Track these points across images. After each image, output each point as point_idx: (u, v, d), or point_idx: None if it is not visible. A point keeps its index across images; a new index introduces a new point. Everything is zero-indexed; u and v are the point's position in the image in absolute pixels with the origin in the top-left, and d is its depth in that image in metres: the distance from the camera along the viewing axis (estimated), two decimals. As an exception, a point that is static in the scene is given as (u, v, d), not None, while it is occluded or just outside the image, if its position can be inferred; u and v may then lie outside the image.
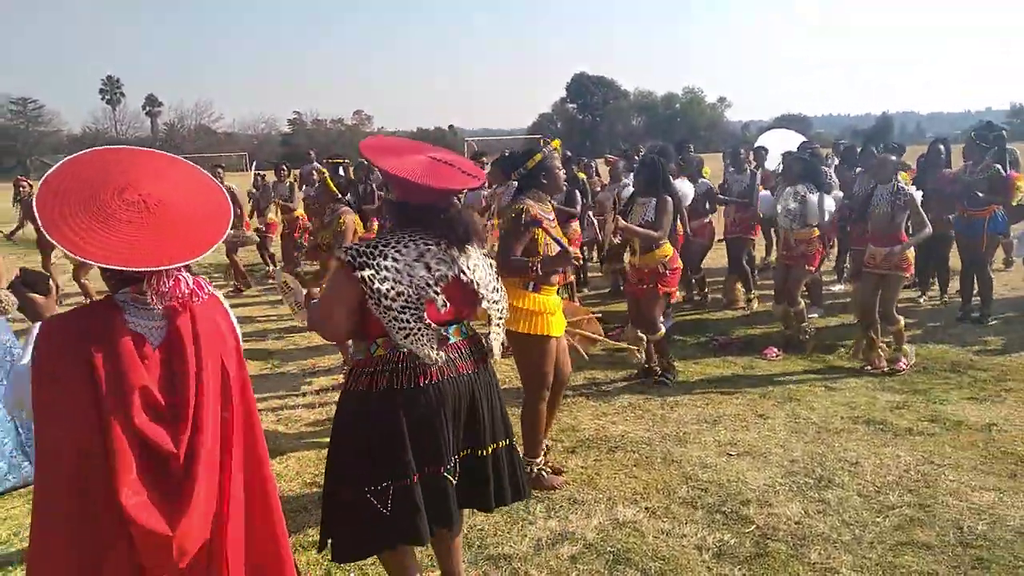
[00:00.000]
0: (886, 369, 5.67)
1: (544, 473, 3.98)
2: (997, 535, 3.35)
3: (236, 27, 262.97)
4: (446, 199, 2.53)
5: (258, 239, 10.70)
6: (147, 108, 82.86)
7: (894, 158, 5.93)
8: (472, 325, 2.69)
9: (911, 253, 5.65)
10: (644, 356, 5.83)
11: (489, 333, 2.66)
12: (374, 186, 10.49)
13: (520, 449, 3.26)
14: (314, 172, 11.77)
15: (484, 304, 2.59)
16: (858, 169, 8.24)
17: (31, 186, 9.93)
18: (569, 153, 13.23)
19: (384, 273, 2.37)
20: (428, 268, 2.43)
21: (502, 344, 2.75)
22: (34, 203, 1.82)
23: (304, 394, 5.70)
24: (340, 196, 5.59)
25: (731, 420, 4.84)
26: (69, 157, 1.93)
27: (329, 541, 2.56)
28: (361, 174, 11.70)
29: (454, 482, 2.53)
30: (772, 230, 9.58)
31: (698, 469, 4.12)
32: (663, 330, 5.63)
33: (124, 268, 1.79)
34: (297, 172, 12.41)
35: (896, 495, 3.75)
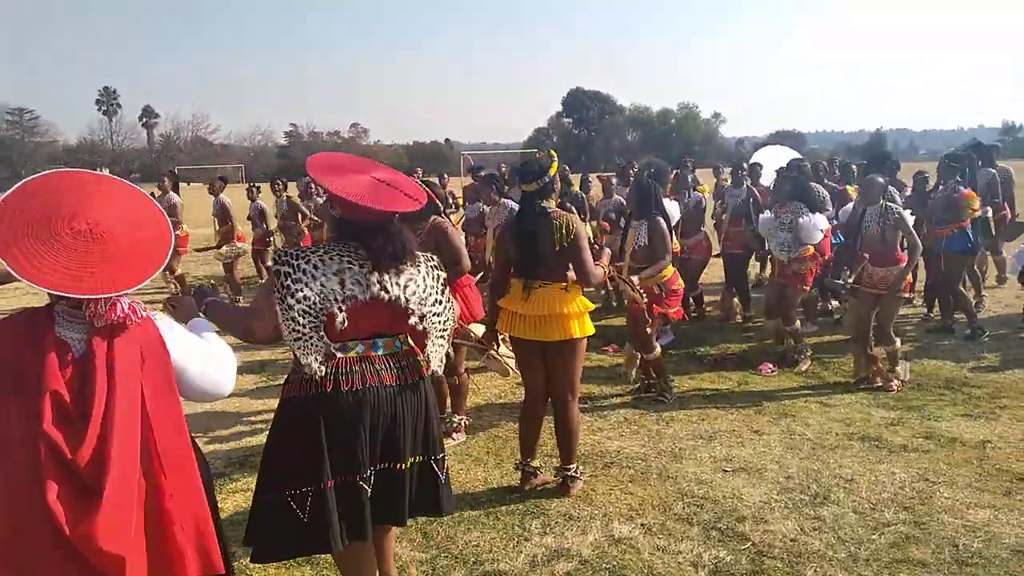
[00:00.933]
0: (879, 384, 5.68)
1: (580, 480, 4.10)
2: (992, 553, 3.35)
3: (234, 40, 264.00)
4: (385, 218, 2.63)
5: (247, 250, 10.64)
6: (143, 119, 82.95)
7: (881, 179, 5.96)
8: (408, 340, 2.76)
9: (907, 274, 5.65)
10: (634, 374, 5.85)
11: (430, 348, 2.75)
12: None
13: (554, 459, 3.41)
14: (312, 185, 11.79)
15: (412, 320, 2.67)
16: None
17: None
18: (567, 167, 13.31)
19: (299, 275, 2.50)
20: (342, 284, 2.54)
21: (443, 358, 2.83)
22: None
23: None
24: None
25: (726, 436, 4.84)
26: (21, 182, 2.00)
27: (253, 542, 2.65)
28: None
29: (368, 492, 2.60)
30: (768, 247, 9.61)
31: (694, 485, 4.12)
32: (658, 350, 5.63)
33: (69, 296, 1.89)
34: (292, 184, 12.37)
35: (891, 512, 3.75)
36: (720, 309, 8.42)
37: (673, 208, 7.34)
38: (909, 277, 5.66)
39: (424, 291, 2.72)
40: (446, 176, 13.35)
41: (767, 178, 9.60)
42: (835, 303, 8.51)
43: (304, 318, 2.49)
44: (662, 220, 5.40)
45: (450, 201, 6.73)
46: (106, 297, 1.96)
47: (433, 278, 2.78)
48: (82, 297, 1.91)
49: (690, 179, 9.57)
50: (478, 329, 4.58)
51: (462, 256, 4.61)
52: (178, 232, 10.14)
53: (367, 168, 2.73)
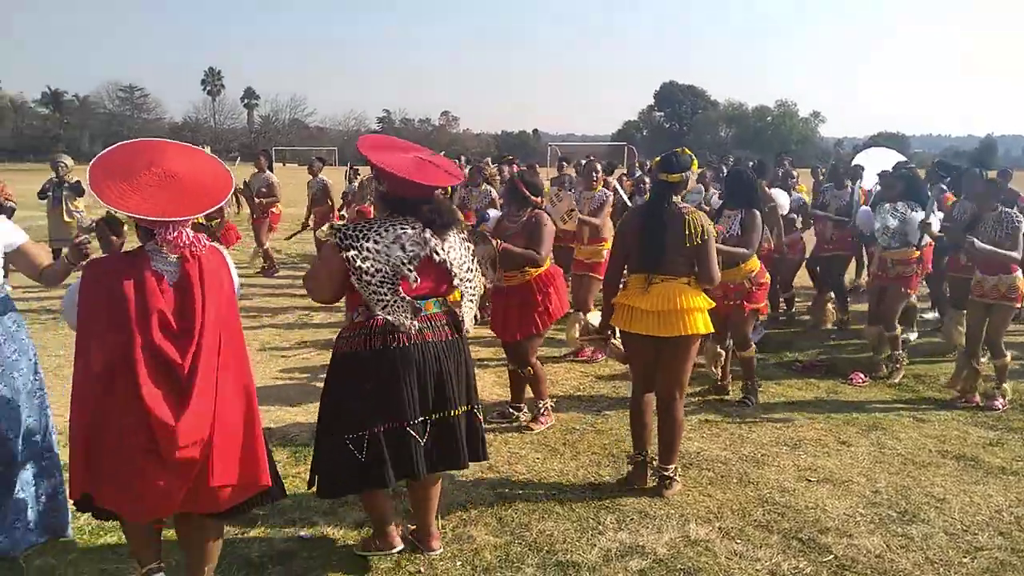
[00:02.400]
0: (980, 404, 5.41)
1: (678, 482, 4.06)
2: (1097, 588, 3.16)
3: (333, 28, 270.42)
4: (429, 192, 2.99)
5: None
6: (245, 100, 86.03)
7: (1000, 183, 5.66)
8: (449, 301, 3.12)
9: (1022, 283, 5.35)
10: (719, 373, 5.74)
11: (464, 309, 3.13)
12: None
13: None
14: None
15: (455, 282, 3.05)
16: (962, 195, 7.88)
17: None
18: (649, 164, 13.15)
19: (365, 253, 2.82)
20: (403, 249, 2.88)
21: (475, 318, 3.23)
22: (87, 173, 2.52)
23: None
24: None
25: (812, 445, 4.71)
26: (117, 144, 2.72)
27: (316, 479, 3.07)
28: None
29: (420, 439, 2.97)
30: (865, 250, 9.23)
31: (775, 492, 4.02)
32: (754, 347, 5.52)
33: (144, 217, 2.47)
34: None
35: (986, 536, 3.58)
36: (812, 315, 8.15)
37: (782, 198, 7.17)
38: (1022, 286, 5.35)
39: (462, 258, 3.09)
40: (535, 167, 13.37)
41: (868, 181, 9.26)
42: (934, 314, 8.14)
43: (383, 287, 2.85)
44: (758, 214, 5.27)
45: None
46: (172, 224, 2.54)
47: (465, 247, 3.16)
48: (153, 219, 2.48)
49: (790, 179, 9.31)
50: (594, 318, 4.69)
51: (544, 250, 4.69)
52: (273, 209, 10.51)
53: (411, 148, 3.12)
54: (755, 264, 5.35)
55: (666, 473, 4.01)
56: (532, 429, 4.84)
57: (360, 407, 2.91)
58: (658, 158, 4.11)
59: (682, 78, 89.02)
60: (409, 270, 2.88)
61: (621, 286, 4.10)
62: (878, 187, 9.03)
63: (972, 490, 4.08)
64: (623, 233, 4.08)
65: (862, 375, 6.09)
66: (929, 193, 6.26)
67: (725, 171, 8.98)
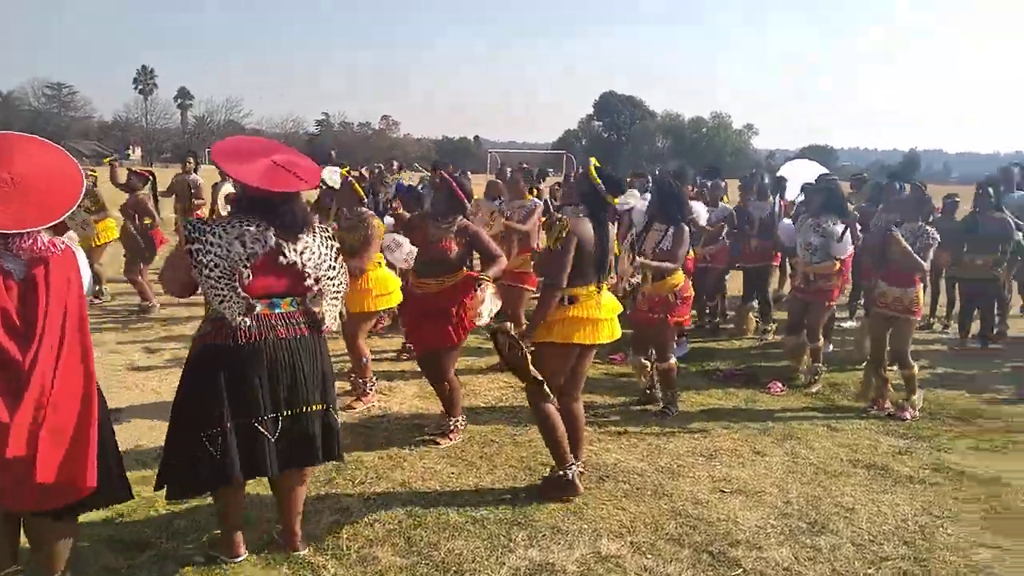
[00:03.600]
0: (891, 412, 5.53)
1: (573, 479, 4.03)
2: (993, 597, 3.22)
3: (272, 28, 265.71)
4: (281, 196, 3.02)
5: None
6: (179, 100, 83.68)
7: (929, 199, 5.82)
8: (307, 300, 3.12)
9: (921, 296, 5.50)
10: (647, 382, 5.75)
11: (326, 307, 3.17)
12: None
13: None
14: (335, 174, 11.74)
15: (308, 282, 3.08)
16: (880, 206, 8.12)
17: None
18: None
19: (207, 247, 2.89)
20: (244, 246, 2.93)
21: (338, 316, 3.29)
22: None
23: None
24: (365, 200, 5.48)
25: (727, 455, 4.72)
26: None
27: (166, 480, 3.07)
28: (375, 180, 11.70)
29: (270, 436, 3.02)
30: (788, 261, 9.42)
31: (689, 504, 4.01)
32: (674, 360, 5.52)
33: None
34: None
35: (891, 546, 3.62)
36: (735, 324, 8.26)
37: (700, 209, 7.23)
38: (920, 299, 5.50)
39: (319, 257, 3.14)
40: (468, 174, 13.29)
41: (792, 192, 9.45)
42: (852, 323, 8.35)
43: (220, 281, 2.90)
44: (687, 229, 5.29)
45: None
46: (25, 232, 2.54)
47: (327, 247, 3.20)
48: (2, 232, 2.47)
49: (719, 190, 9.43)
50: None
51: (493, 250, 4.69)
52: (198, 212, 10.19)
53: (269, 151, 3.12)
54: (680, 278, 5.38)
55: (577, 468, 4.08)
56: (439, 444, 4.73)
57: (212, 403, 2.95)
58: (593, 168, 4.03)
59: (621, 88, 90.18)
60: (244, 266, 2.93)
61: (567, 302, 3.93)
62: (801, 198, 9.28)
63: (880, 499, 4.14)
64: (579, 244, 3.85)
65: (780, 384, 6.17)
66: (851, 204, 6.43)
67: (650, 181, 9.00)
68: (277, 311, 3.05)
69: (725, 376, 6.52)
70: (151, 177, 8.98)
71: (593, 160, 4.14)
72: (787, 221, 7.03)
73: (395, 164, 14.84)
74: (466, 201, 4.73)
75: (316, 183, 3.21)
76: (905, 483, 4.37)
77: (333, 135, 79.67)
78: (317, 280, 3.12)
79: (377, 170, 12.67)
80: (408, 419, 5.20)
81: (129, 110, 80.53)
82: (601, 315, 3.98)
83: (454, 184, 4.69)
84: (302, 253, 3.08)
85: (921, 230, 5.46)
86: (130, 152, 67.55)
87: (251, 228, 2.96)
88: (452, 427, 4.81)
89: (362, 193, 5.44)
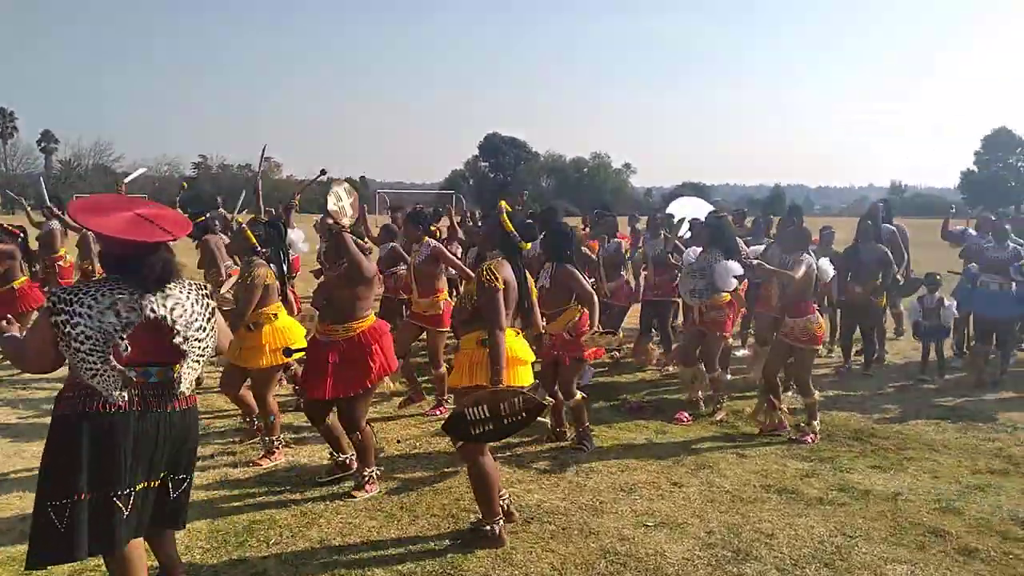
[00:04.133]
0: (793, 436, 5.74)
1: (500, 533, 3.92)
2: (912, 611, 3.34)
3: (143, 67, 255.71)
4: (146, 248, 2.88)
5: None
6: (42, 144, 78.83)
7: (807, 231, 6.17)
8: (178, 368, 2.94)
9: (821, 326, 5.79)
10: (554, 420, 5.74)
11: (186, 370, 2.96)
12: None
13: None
14: (218, 221, 11.28)
15: (177, 340, 2.89)
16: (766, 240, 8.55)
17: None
18: (479, 212, 13.28)
19: (76, 319, 2.71)
20: (118, 315, 2.77)
21: (198, 380, 3.16)
22: None
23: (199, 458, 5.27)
24: (258, 248, 5.25)
25: (646, 488, 4.76)
26: None
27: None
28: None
29: (124, 511, 2.82)
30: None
31: (616, 541, 3.99)
32: (579, 395, 5.55)
33: None
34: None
35: (812, 569, 3.72)
36: (634, 355, 8.41)
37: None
38: (820, 329, 5.79)
39: (191, 315, 2.97)
40: (367, 215, 13.05)
41: (681, 230, 9.81)
42: (745, 351, 8.69)
43: (92, 355, 2.72)
44: (571, 267, 5.33)
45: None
46: None
47: (201, 305, 3.03)
48: None
49: (614, 223, 9.69)
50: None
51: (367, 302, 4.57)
52: (60, 262, 9.54)
53: (131, 206, 3.02)
54: (574, 314, 5.41)
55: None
56: (355, 497, 4.54)
57: (69, 472, 2.76)
58: (506, 216, 4.03)
59: (504, 130, 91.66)
60: (121, 338, 2.76)
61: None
62: (689, 234, 9.64)
63: (796, 523, 4.26)
64: (507, 288, 3.85)
65: (686, 414, 6.31)
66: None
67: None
68: (151, 380, 2.89)
69: (632, 408, 6.61)
70: (21, 234, 8.26)
71: (504, 205, 4.14)
72: (694, 250, 7.22)
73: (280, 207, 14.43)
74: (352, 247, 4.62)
75: (183, 235, 3.07)
76: (816, 505, 4.53)
77: (212, 178, 76.93)
78: (185, 339, 2.92)
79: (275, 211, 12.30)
80: (318, 471, 4.97)
81: (-15, 154, 75.23)
82: (526, 357, 3.97)
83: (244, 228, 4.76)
84: (172, 310, 2.91)
85: (804, 258, 5.76)
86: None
87: (124, 296, 2.81)
88: (368, 479, 4.63)
89: (254, 240, 5.24)
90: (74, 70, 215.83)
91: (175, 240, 3.00)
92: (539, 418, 5.58)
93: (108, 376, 2.75)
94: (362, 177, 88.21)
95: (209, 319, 3.05)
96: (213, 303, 3.11)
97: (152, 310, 2.84)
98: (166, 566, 3.26)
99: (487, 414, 3.59)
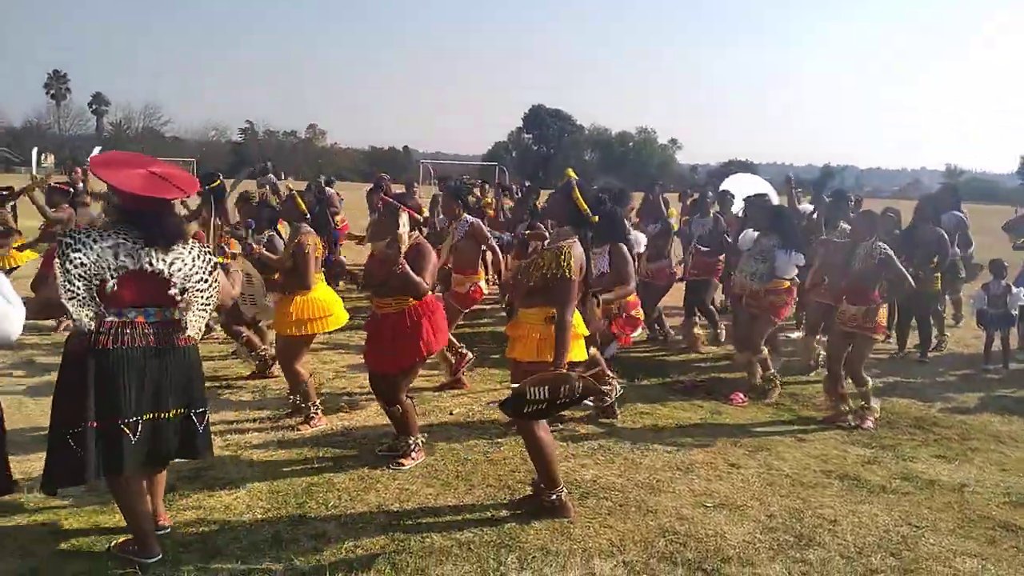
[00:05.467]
0: (852, 423, 5.61)
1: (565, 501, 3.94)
2: (985, 606, 3.25)
3: (195, 32, 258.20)
4: (158, 205, 3.21)
5: None
6: (93, 106, 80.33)
7: (878, 215, 6.00)
8: (173, 311, 3.25)
9: (883, 315, 5.62)
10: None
11: (192, 317, 3.28)
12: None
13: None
14: (268, 185, 11.36)
15: (172, 291, 3.20)
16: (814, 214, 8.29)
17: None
18: (528, 183, 13.14)
19: (78, 245, 3.02)
20: (115, 256, 3.08)
21: (208, 327, 3.50)
22: None
23: (256, 419, 5.35)
24: (307, 215, 5.26)
25: (704, 468, 4.69)
26: None
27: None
28: (313, 193, 11.44)
29: (132, 437, 3.12)
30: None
31: (675, 521, 3.95)
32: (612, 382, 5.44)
33: None
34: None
35: (878, 558, 3.63)
36: (684, 339, 8.29)
37: (639, 239, 7.16)
38: (883, 319, 5.62)
39: (190, 269, 3.27)
40: (416, 185, 13.07)
41: (735, 207, 9.61)
42: (798, 333, 8.51)
43: (79, 281, 3.02)
44: (624, 247, 5.23)
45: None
46: None
47: (202, 259, 3.34)
48: None
49: (662, 201, 9.55)
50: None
51: (427, 278, 4.44)
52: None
53: (145, 163, 3.30)
54: (631, 297, 5.33)
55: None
56: (402, 465, 4.54)
57: (80, 403, 3.05)
58: (578, 190, 3.85)
59: (549, 102, 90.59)
60: (111, 276, 3.06)
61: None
62: (743, 213, 9.43)
63: (859, 510, 4.16)
64: (581, 266, 3.79)
65: (741, 395, 6.20)
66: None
67: None
68: (151, 320, 3.19)
69: (686, 388, 6.53)
70: (71, 189, 8.42)
71: (571, 174, 3.99)
72: (750, 232, 7.02)
73: (322, 178, 14.52)
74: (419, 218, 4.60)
75: (193, 192, 3.37)
76: (879, 493, 4.42)
77: (258, 144, 77.75)
78: (184, 291, 3.23)
79: (317, 183, 12.41)
80: (374, 438, 5.00)
81: (41, 116, 76.93)
82: (582, 332, 3.91)
83: (403, 208, 4.55)
84: (171, 264, 3.21)
85: (874, 247, 5.58)
86: (43, 160, 64.39)
87: (126, 243, 3.11)
88: (413, 447, 4.63)
89: (304, 207, 5.24)
90: (123, 33, 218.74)
91: (188, 196, 3.36)
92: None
93: (84, 304, 3.02)
94: (405, 147, 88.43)
95: (211, 272, 3.36)
96: (215, 259, 3.42)
97: (150, 263, 3.15)
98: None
99: (546, 395, 3.53)
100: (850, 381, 5.71)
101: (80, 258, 3.01)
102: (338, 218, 11.51)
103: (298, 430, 5.08)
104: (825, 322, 6.78)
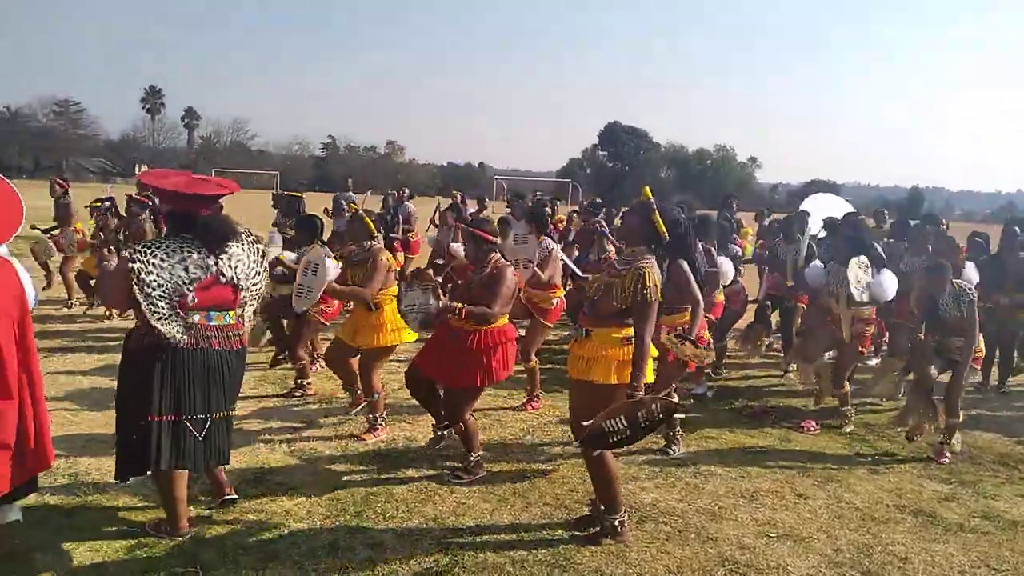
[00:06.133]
0: (929, 455, 5.35)
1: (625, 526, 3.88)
2: (1069, 659, 3.04)
3: (280, 49, 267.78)
4: (205, 205, 3.41)
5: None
6: (186, 120, 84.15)
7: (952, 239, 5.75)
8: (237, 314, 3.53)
9: (980, 349, 5.39)
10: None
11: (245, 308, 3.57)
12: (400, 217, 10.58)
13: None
14: (343, 202, 11.62)
15: (243, 294, 3.48)
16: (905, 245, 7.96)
17: (65, 187, 9.79)
18: (599, 200, 13.04)
19: (150, 268, 3.19)
20: (187, 270, 3.29)
21: (251, 316, 3.66)
22: None
23: (321, 426, 5.46)
24: (375, 233, 5.34)
25: (768, 497, 4.55)
26: None
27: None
28: (389, 205, 11.67)
29: (198, 434, 3.38)
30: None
31: (735, 550, 3.83)
32: (675, 398, 5.28)
33: None
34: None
35: (953, 601, 3.45)
36: (742, 342, 8.04)
37: (727, 267, 6.92)
38: (981, 351, 5.38)
39: (248, 266, 3.50)
40: (487, 200, 13.16)
41: (814, 227, 9.32)
42: (876, 361, 8.18)
43: (161, 301, 3.22)
44: (683, 264, 5.03)
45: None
46: None
47: (254, 252, 3.57)
48: None
49: (734, 230, 9.27)
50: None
51: (498, 304, 4.38)
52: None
53: (186, 174, 3.60)
54: (685, 317, 5.15)
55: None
56: (460, 479, 4.55)
57: (148, 398, 3.26)
58: (657, 212, 3.80)
59: (624, 120, 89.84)
60: (189, 290, 3.27)
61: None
62: (823, 233, 9.12)
63: (933, 548, 3.96)
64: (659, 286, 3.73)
65: (814, 423, 6.00)
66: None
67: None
68: (212, 323, 3.39)
69: (755, 413, 6.36)
70: (149, 202, 8.70)
71: (648, 194, 3.91)
72: (816, 264, 6.79)
73: (405, 191, 14.78)
74: (495, 241, 4.59)
75: (235, 191, 3.65)
76: (956, 531, 4.20)
77: (339, 158, 79.93)
78: (246, 290, 3.49)
79: (390, 196, 12.62)
80: (435, 450, 5.04)
81: (137, 129, 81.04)
82: (653, 353, 3.83)
83: (478, 231, 4.57)
84: (235, 267, 3.44)
85: (961, 291, 5.37)
86: (137, 170, 67.74)
87: (193, 254, 3.32)
88: (474, 463, 4.63)
89: (373, 228, 5.30)
90: (216, 52, 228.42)
91: (230, 194, 3.54)
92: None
93: (173, 320, 3.25)
94: (481, 164, 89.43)
95: (261, 262, 3.59)
96: (261, 246, 3.64)
97: (222, 273, 3.37)
98: (216, 481, 3.90)
99: (625, 424, 3.48)
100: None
101: (155, 280, 3.20)
102: (411, 234, 11.72)
103: (362, 439, 5.16)
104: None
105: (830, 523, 4.23)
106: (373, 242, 5.30)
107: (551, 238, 6.54)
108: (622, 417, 3.45)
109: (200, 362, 3.35)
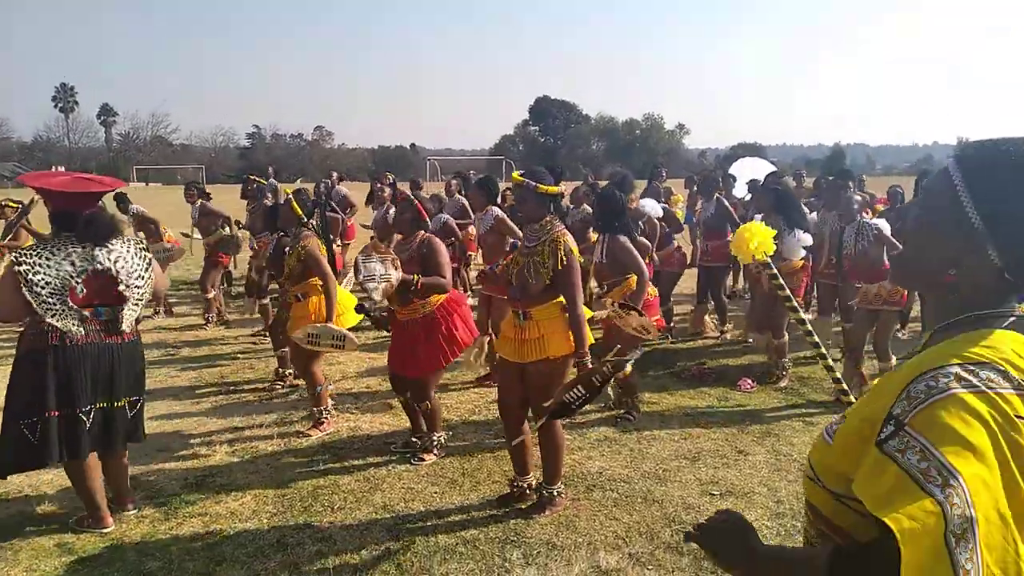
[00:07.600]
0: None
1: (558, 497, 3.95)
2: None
3: (196, 38, 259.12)
4: (87, 203, 3.54)
5: (179, 255, 9.42)
6: (102, 118, 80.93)
7: (858, 197, 5.94)
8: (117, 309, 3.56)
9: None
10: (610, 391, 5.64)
11: (126, 312, 3.60)
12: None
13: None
14: (269, 191, 11.29)
15: (121, 287, 3.54)
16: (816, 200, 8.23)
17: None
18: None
19: (36, 268, 3.32)
20: (73, 264, 3.42)
21: (133, 321, 3.66)
22: None
23: (262, 425, 5.36)
24: (304, 220, 5.23)
25: (711, 456, 4.67)
26: None
27: None
28: (320, 192, 11.45)
29: (87, 423, 3.48)
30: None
31: (681, 510, 3.93)
32: (628, 367, 5.39)
33: None
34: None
35: (887, 540, 3.60)
36: (692, 325, 8.25)
37: (651, 206, 7.15)
38: (903, 289, 5.56)
39: (131, 266, 3.61)
40: (421, 182, 13.01)
41: (740, 190, 9.54)
42: (808, 316, 8.43)
43: (52, 297, 3.34)
44: (624, 238, 5.13)
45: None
46: None
47: (139, 257, 3.67)
48: None
49: (662, 190, 9.44)
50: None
51: (445, 273, 4.44)
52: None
53: (72, 174, 3.76)
54: (632, 284, 5.26)
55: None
56: (424, 460, 4.56)
57: (35, 396, 3.36)
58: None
59: (555, 93, 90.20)
60: (77, 282, 3.40)
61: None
62: (748, 196, 9.36)
63: (867, 493, 4.12)
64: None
65: (750, 381, 6.17)
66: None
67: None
68: (102, 318, 3.51)
69: (695, 375, 6.50)
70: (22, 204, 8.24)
71: (517, 177, 3.88)
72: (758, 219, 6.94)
73: (334, 175, 14.52)
74: (424, 217, 4.62)
75: (120, 187, 3.85)
76: (888, 474, 4.38)
77: (265, 148, 78.06)
78: (127, 287, 3.56)
79: (323, 184, 12.38)
80: (380, 437, 5.01)
81: (50, 129, 77.62)
82: (588, 314, 3.93)
83: (419, 205, 4.58)
84: (115, 262, 3.53)
85: (863, 225, 5.57)
86: (54, 171, 64.95)
87: (77, 249, 3.44)
88: (436, 443, 4.64)
89: (300, 212, 5.19)
90: (128, 45, 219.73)
91: (112, 191, 3.69)
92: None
93: (67, 315, 3.37)
94: (412, 145, 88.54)
95: (147, 269, 3.68)
96: (150, 255, 3.75)
97: (100, 262, 3.47)
98: (118, 491, 3.87)
99: (583, 391, 3.51)
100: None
101: (43, 278, 3.33)
102: (347, 220, 11.51)
103: (306, 434, 5.08)
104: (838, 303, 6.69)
105: (770, 477, 4.37)
106: (301, 228, 5.18)
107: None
108: (579, 386, 3.50)
109: (92, 356, 3.45)
